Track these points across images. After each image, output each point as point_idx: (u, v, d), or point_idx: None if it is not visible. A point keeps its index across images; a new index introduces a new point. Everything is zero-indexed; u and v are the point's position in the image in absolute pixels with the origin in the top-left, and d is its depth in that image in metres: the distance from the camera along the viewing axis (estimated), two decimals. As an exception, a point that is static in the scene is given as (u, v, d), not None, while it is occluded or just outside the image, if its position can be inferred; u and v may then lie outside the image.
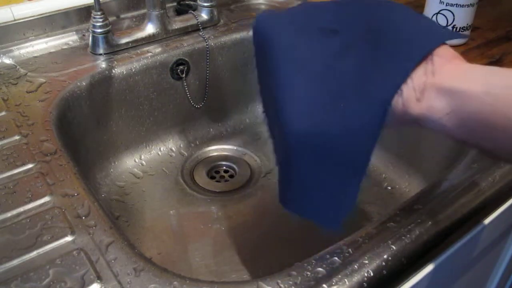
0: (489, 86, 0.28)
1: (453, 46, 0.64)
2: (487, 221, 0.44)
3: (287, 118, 0.34)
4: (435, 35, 0.34)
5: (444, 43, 0.33)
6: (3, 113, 0.50)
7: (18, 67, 0.59)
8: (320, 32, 0.38)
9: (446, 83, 0.30)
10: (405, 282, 0.37)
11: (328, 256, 0.35)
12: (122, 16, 0.71)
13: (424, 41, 0.33)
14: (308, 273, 0.33)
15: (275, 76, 0.36)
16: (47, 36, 0.65)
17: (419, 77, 0.31)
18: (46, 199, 0.39)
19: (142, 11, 0.72)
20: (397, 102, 0.31)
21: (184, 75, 0.68)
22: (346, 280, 0.33)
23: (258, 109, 0.77)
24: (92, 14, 0.60)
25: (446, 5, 0.62)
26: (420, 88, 0.31)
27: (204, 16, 0.70)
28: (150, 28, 0.66)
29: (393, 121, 0.33)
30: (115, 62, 0.61)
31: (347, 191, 0.33)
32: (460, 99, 0.29)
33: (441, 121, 0.30)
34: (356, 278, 0.33)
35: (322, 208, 0.35)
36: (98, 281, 0.32)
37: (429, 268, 0.38)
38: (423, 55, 0.32)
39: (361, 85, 0.33)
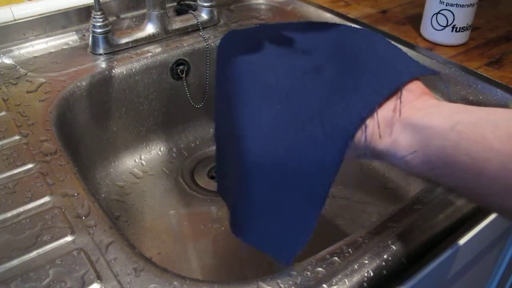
0: (454, 122, 0.27)
1: (453, 46, 0.65)
2: (487, 220, 0.44)
3: (246, 142, 0.33)
4: (407, 69, 0.33)
5: (416, 78, 0.32)
6: (3, 113, 0.50)
7: (18, 67, 0.59)
8: (290, 52, 0.37)
9: (413, 119, 0.29)
10: (405, 282, 0.37)
11: (328, 256, 0.35)
12: (122, 16, 0.71)
13: (394, 75, 0.32)
14: (308, 273, 0.33)
15: (237, 98, 0.35)
16: (47, 36, 0.65)
17: (386, 111, 0.31)
18: (46, 199, 0.39)
19: (142, 11, 0.72)
20: (360, 135, 0.31)
21: (184, 75, 0.68)
22: (346, 280, 0.33)
23: (258, 109, 0.77)
24: (92, 14, 0.60)
25: (446, 5, 0.62)
26: (386, 123, 0.30)
27: (204, 16, 0.70)
28: (150, 28, 0.66)
29: (356, 154, 0.32)
30: (115, 62, 0.61)
31: (302, 223, 0.32)
32: (425, 135, 0.28)
33: (406, 158, 0.29)
34: (356, 278, 0.33)
35: (276, 240, 0.33)
36: (98, 281, 0.32)
37: (429, 268, 0.38)
38: (392, 90, 0.31)
39: (325, 114, 0.32)
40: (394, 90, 0.31)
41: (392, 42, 0.36)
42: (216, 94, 0.39)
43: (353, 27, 0.38)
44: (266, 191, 0.32)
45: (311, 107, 0.33)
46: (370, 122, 0.31)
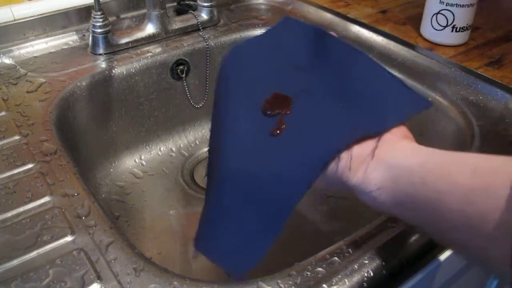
0: (424, 161, 0.29)
1: (453, 46, 0.65)
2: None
3: (225, 154, 0.34)
4: (395, 114, 0.33)
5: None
6: (3, 113, 0.50)
7: (18, 67, 0.59)
8: (285, 68, 0.38)
9: (387, 159, 0.31)
10: (405, 282, 0.37)
11: (328, 256, 0.35)
12: (122, 16, 0.71)
13: (380, 119, 0.33)
14: (308, 273, 0.33)
15: (226, 112, 0.36)
16: (47, 36, 0.65)
17: (363, 149, 0.32)
18: (46, 199, 0.39)
19: (142, 11, 0.72)
20: (333, 167, 0.31)
21: (184, 75, 0.68)
22: (346, 280, 0.33)
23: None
24: (92, 14, 0.60)
25: (446, 5, 0.62)
26: (360, 159, 0.31)
27: (204, 16, 0.70)
28: (150, 28, 0.66)
29: (325, 184, 0.33)
30: (115, 62, 0.61)
31: (260, 241, 0.32)
32: (395, 173, 0.30)
33: (373, 193, 0.30)
34: (356, 278, 0.33)
35: (232, 253, 0.33)
36: (98, 281, 0.32)
37: (429, 268, 0.38)
38: (373, 133, 0.32)
39: (304, 138, 0.33)
40: (375, 133, 0.32)
41: (392, 74, 0.36)
42: (213, 107, 0.40)
43: (356, 50, 0.38)
44: (232, 201, 0.33)
45: (293, 129, 0.34)
46: (344, 156, 0.31)
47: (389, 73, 0.37)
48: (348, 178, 0.31)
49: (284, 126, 0.34)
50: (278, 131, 0.34)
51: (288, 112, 0.35)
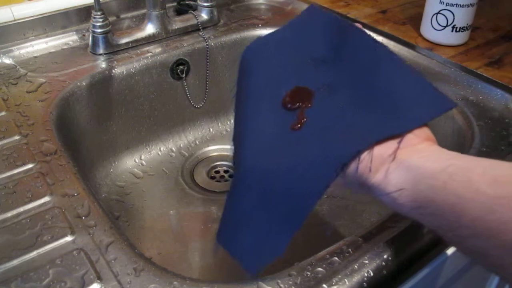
0: (446, 165, 0.29)
1: (453, 46, 0.65)
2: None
3: (245, 151, 0.33)
4: (418, 115, 0.33)
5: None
6: (3, 113, 0.50)
7: (18, 67, 0.59)
8: (309, 62, 0.37)
9: (409, 160, 0.30)
10: (405, 282, 0.37)
11: (328, 256, 0.35)
12: (122, 16, 0.71)
13: (403, 120, 0.32)
14: (308, 273, 0.33)
15: (246, 108, 0.36)
16: (47, 36, 0.65)
17: (384, 149, 0.31)
18: (46, 199, 0.39)
19: (142, 11, 0.72)
20: (353, 167, 0.31)
21: (184, 75, 0.68)
22: (346, 280, 0.33)
23: (258, 109, 0.76)
24: (92, 14, 0.60)
25: (446, 5, 0.62)
26: (381, 160, 0.31)
27: (204, 16, 0.70)
28: (150, 28, 0.66)
29: (344, 183, 0.32)
30: (115, 62, 0.61)
31: (277, 239, 0.32)
32: (416, 175, 0.29)
33: (393, 194, 0.30)
34: (356, 278, 0.33)
35: (248, 249, 0.33)
36: (98, 281, 0.32)
37: (429, 268, 0.38)
38: (395, 134, 0.32)
39: (324, 135, 0.33)
40: (397, 134, 0.32)
41: (417, 73, 0.35)
42: (235, 100, 0.40)
43: (381, 45, 0.37)
44: (252, 199, 0.33)
45: (312, 127, 0.33)
46: (365, 157, 0.31)
47: (414, 71, 0.36)
48: (367, 179, 0.31)
49: (304, 119, 0.34)
50: (298, 125, 0.33)
51: (310, 105, 0.34)
